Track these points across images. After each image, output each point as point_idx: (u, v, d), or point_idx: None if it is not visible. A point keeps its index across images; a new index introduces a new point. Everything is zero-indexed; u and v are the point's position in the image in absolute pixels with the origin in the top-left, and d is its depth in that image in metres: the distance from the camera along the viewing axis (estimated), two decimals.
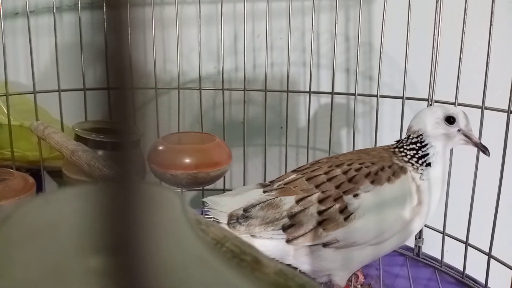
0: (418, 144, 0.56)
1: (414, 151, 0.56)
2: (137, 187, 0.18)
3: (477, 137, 0.56)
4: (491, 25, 0.58)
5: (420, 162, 0.55)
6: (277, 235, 0.53)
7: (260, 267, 0.30)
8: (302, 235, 0.52)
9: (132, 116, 0.16)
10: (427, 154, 0.55)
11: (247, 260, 0.31)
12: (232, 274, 0.18)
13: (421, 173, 0.55)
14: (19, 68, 0.90)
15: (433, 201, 0.55)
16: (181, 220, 0.19)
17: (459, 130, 0.55)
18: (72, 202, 0.21)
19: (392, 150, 0.57)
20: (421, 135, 0.56)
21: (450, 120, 0.55)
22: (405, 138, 0.58)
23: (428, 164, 0.55)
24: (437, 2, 0.65)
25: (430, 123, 0.55)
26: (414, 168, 0.55)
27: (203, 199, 0.59)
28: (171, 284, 0.17)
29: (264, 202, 0.54)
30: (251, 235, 0.53)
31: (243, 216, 0.54)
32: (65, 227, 0.19)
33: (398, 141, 0.58)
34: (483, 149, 0.55)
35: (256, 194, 0.56)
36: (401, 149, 0.57)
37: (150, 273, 0.16)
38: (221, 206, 0.56)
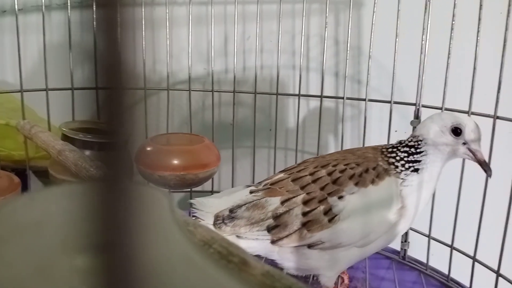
0: (413, 149, 0.54)
1: (406, 154, 0.54)
2: (124, 186, 0.18)
3: (483, 155, 0.53)
4: (478, 31, 0.59)
5: (406, 166, 0.54)
6: (262, 236, 0.53)
7: (247, 268, 0.30)
8: (287, 236, 0.53)
9: (122, 116, 0.16)
10: (419, 161, 0.53)
11: (234, 261, 0.31)
12: (220, 275, 0.18)
13: (403, 179, 0.53)
14: (5, 67, 0.89)
15: (420, 204, 0.55)
16: (168, 220, 0.19)
17: (464, 143, 0.52)
18: (58, 200, 0.21)
19: (381, 150, 0.57)
20: (421, 141, 0.54)
21: (456, 131, 0.52)
22: (406, 140, 0.56)
23: (415, 170, 0.54)
24: (425, 8, 0.65)
25: (435, 130, 0.53)
26: (396, 172, 0.54)
27: (190, 201, 0.59)
28: (158, 284, 0.17)
29: (250, 202, 0.54)
30: (237, 236, 0.53)
31: (229, 216, 0.54)
32: (51, 225, 0.19)
33: (398, 141, 0.57)
34: (485, 169, 0.53)
35: (242, 195, 0.56)
36: (394, 150, 0.55)
37: (137, 273, 0.16)
38: (208, 207, 0.56)
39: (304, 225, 0.52)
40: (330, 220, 0.52)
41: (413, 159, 0.54)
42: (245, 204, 0.54)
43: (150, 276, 0.16)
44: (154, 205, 0.20)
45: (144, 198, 0.20)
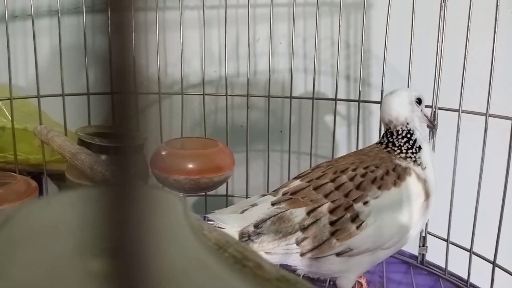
0: (408, 135, 0.58)
1: (408, 144, 0.57)
2: (139, 190, 0.18)
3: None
4: (495, 31, 0.58)
5: (414, 149, 0.57)
6: (292, 249, 0.52)
7: (262, 273, 0.30)
8: (316, 247, 0.52)
9: (135, 120, 0.16)
10: (416, 139, 0.57)
11: (249, 265, 0.31)
12: (235, 280, 0.18)
13: (420, 162, 0.56)
14: (17, 71, 0.90)
15: (435, 182, 0.57)
16: (183, 224, 0.19)
17: (421, 110, 0.60)
18: (74, 204, 0.21)
19: (386, 149, 0.58)
20: (408, 123, 0.58)
21: (418, 101, 0.59)
22: (389, 135, 0.58)
23: (419, 148, 0.57)
24: (440, 10, 0.65)
25: (409, 107, 0.58)
26: (414, 161, 0.56)
27: (208, 216, 0.56)
28: None
29: (274, 216, 0.52)
30: (265, 252, 0.51)
31: (254, 232, 0.52)
32: (66, 229, 0.19)
33: (384, 139, 0.59)
34: (434, 125, 0.63)
35: (264, 208, 0.54)
36: (395, 147, 0.57)
37: (151, 277, 0.16)
38: (229, 224, 0.53)
39: (333, 234, 0.51)
40: (358, 227, 0.52)
41: (412, 142, 0.57)
42: (269, 218, 0.52)
43: (164, 281, 0.16)
44: (168, 209, 0.20)
45: (159, 202, 0.20)
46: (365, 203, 0.52)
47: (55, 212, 0.20)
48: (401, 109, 0.58)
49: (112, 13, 0.14)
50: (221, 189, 0.82)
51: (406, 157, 0.57)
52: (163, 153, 0.67)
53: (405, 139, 0.57)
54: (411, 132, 0.58)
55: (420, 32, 0.68)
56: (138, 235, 0.17)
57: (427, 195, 0.55)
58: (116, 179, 0.17)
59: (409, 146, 0.57)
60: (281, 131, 0.90)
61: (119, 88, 0.15)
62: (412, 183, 0.54)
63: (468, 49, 0.62)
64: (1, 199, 0.58)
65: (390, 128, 0.59)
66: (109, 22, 0.13)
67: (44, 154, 0.72)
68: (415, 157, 0.56)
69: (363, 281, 0.65)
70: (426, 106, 0.67)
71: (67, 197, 0.23)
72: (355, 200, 0.52)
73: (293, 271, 0.58)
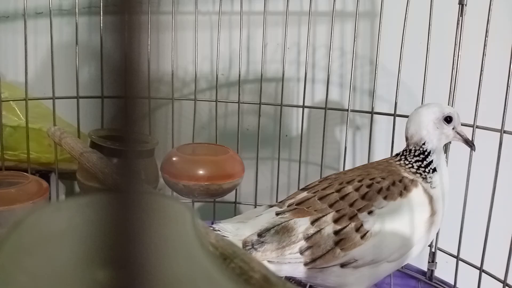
0: (422, 155, 0.56)
1: (420, 162, 0.56)
2: (147, 199, 0.18)
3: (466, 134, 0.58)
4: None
5: (427, 170, 0.56)
6: (295, 259, 0.52)
7: (269, 286, 0.30)
8: (320, 256, 0.51)
9: (146, 125, 0.16)
10: (431, 161, 0.56)
11: (255, 277, 0.31)
12: None
13: (430, 182, 0.55)
14: (18, 70, 0.90)
15: (445, 205, 0.56)
16: (190, 234, 0.19)
17: (453, 128, 0.57)
18: (83, 211, 0.21)
19: (398, 162, 0.57)
20: (424, 144, 0.56)
21: (448, 119, 0.56)
22: (406, 150, 0.57)
23: (434, 170, 0.56)
24: (458, 22, 0.64)
25: (431, 126, 0.56)
26: (423, 178, 0.55)
27: (214, 226, 0.56)
28: None
29: (278, 225, 0.52)
30: (268, 261, 0.51)
31: (258, 241, 0.52)
32: (74, 236, 0.19)
33: (399, 154, 0.58)
34: (471, 145, 0.58)
35: (269, 217, 0.54)
36: (406, 162, 0.57)
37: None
38: (234, 233, 0.53)
39: (337, 244, 0.51)
40: (362, 237, 0.51)
41: (427, 162, 0.56)
42: (273, 227, 0.52)
43: None
44: (176, 219, 0.20)
45: (167, 211, 0.20)
46: (370, 212, 0.51)
47: (64, 218, 0.20)
48: (419, 128, 0.56)
49: (126, 16, 0.14)
50: (230, 196, 0.81)
51: (416, 172, 0.56)
52: (174, 158, 0.67)
53: (419, 158, 0.56)
54: (427, 152, 0.56)
55: (433, 45, 0.68)
56: (144, 245, 0.17)
57: (433, 212, 0.54)
58: (124, 186, 0.17)
59: (421, 165, 0.56)
60: (286, 135, 0.89)
61: (131, 91, 0.15)
62: (418, 195, 0.54)
63: (484, 64, 0.61)
64: (13, 199, 0.58)
65: (412, 147, 0.57)
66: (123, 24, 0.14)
67: (56, 154, 0.73)
68: (425, 175, 0.55)
69: None
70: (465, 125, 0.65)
71: (76, 203, 0.23)
72: (360, 210, 0.52)
73: (300, 283, 0.57)
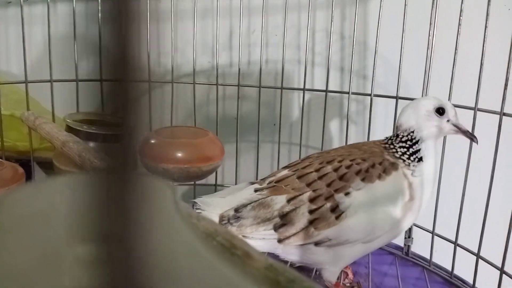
0: (409, 142, 0.56)
1: (405, 149, 0.56)
2: (128, 177, 0.18)
3: (465, 127, 0.57)
4: (486, 26, 0.59)
5: (412, 158, 0.55)
6: (269, 235, 0.53)
7: (251, 261, 0.30)
8: (294, 234, 0.52)
9: (127, 108, 0.16)
10: (419, 150, 0.55)
11: (237, 254, 0.31)
12: (224, 266, 0.18)
13: (413, 169, 0.55)
14: (11, 58, 0.89)
15: (425, 196, 0.55)
16: (172, 210, 0.19)
17: (448, 121, 0.56)
18: (63, 190, 0.21)
19: (384, 145, 0.57)
20: (412, 132, 0.56)
21: (440, 111, 0.55)
22: (393, 136, 0.57)
23: (420, 159, 0.55)
24: (433, 3, 0.65)
25: (421, 116, 0.55)
26: (405, 164, 0.55)
27: (194, 200, 0.58)
28: (161, 274, 0.17)
29: (255, 201, 0.54)
30: (243, 236, 0.52)
31: (234, 216, 0.53)
32: (55, 215, 0.18)
33: (387, 138, 0.58)
34: (472, 137, 0.56)
35: (247, 194, 0.55)
36: (392, 146, 0.57)
37: (140, 263, 0.16)
38: (212, 207, 0.55)
39: (311, 223, 0.52)
40: (337, 218, 0.52)
41: (414, 150, 0.55)
42: (250, 203, 0.53)
43: (153, 266, 0.16)
44: (157, 195, 0.20)
45: (148, 188, 0.20)
46: (347, 194, 0.52)
47: (44, 198, 0.20)
48: (409, 118, 0.56)
49: (106, 1, 0.14)
50: (211, 179, 0.82)
51: (399, 158, 0.55)
52: (153, 141, 0.67)
53: (404, 144, 0.56)
54: (415, 141, 0.55)
55: (414, 25, 0.68)
56: (127, 220, 0.17)
57: (411, 198, 0.54)
58: (106, 166, 0.17)
59: (406, 152, 0.55)
60: (274, 124, 0.89)
61: (111, 75, 0.15)
62: (397, 178, 0.54)
63: (459, 44, 0.62)
64: None
65: (399, 133, 0.57)
66: (100, 10, 0.13)
67: (31, 140, 0.72)
68: (409, 162, 0.55)
69: (349, 271, 0.66)
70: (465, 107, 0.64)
71: (55, 183, 0.22)
72: (337, 191, 0.52)
73: (282, 260, 0.58)
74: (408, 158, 0.55)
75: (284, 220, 0.52)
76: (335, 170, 0.54)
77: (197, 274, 0.16)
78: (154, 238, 0.17)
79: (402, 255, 0.72)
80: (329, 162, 0.55)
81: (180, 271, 0.16)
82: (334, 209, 0.52)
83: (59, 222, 0.18)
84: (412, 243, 0.72)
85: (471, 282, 0.63)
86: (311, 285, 0.27)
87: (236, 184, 0.82)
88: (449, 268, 0.66)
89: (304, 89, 0.76)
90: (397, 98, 0.69)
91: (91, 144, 0.64)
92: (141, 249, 0.16)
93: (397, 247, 0.73)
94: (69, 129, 0.65)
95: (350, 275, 0.65)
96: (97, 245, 0.16)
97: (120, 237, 0.16)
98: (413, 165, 0.55)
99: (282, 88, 0.77)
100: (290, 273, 0.29)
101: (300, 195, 0.53)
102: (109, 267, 0.16)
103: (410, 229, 0.71)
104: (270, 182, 0.56)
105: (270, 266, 0.30)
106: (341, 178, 0.53)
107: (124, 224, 0.17)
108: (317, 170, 0.54)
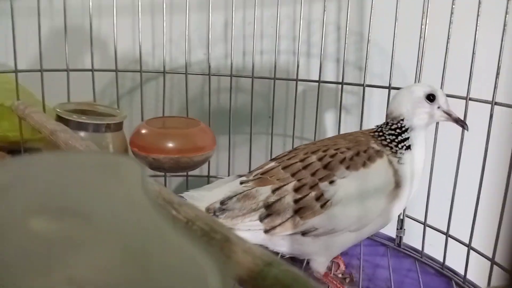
0: (398, 130, 0.55)
1: (394, 136, 0.55)
2: (91, 156, 0.17)
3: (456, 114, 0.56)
4: (478, 15, 0.58)
5: (399, 146, 0.55)
6: (255, 226, 0.52)
7: (229, 245, 0.30)
8: (280, 224, 0.52)
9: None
10: (407, 138, 0.55)
11: (216, 238, 0.31)
12: (187, 242, 0.18)
13: (399, 157, 0.54)
14: (9, 50, 0.88)
15: (414, 184, 0.55)
16: (137, 187, 0.19)
17: (438, 107, 0.55)
18: (30, 167, 0.21)
19: (371, 134, 0.57)
20: (402, 120, 0.55)
21: (430, 98, 0.55)
22: (384, 124, 0.57)
23: (408, 147, 0.55)
24: None
25: (411, 103, 0.55)
26: (392, 152, 0.55)
27: (181, 195, 0.57)
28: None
29: (240, 193, 0.54)
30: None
31: (220, 209, 0.53)
32: (17, 189, 0.18)
33: (378, 126, 0.58)
34: (462, 124, 0.56)
35: (233, 186, 0.55)
36: (380, 133, 0.56)
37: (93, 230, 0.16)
38: (199, 200, 0.55)
39: (297, 212, 0.52)
40: (322, 206, 0.52)
41: (402, 138, 0.55)
42: (235, 195, 0.53)
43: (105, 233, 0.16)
44: (122, 173, 0.19)
45: (111, 166, 0.20)
46: (331, 182, 0.52)
47: (9, 173, 0.20)
48: (399, 104, 0.56)
49: None
50: (204, 170, 0.81)
51: (386, 145, 0.55)
52: (143, 131, 0.66)
53: (393, 132, 0.56)
54: (404, 129, 0.55)
55: (409, 15, 0.68)
56: (83, 196, 0.17)
57: (397, 185, 0.54)
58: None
59: (395, 139, 0.55)
60: (269, 117, 0.89)
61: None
62: (382, 166, 0.53)
63: (452, 33, 0.62)
64: None
65: (389, 121, 0.57)
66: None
67: (21, 130, 0.71)
68: (396, 150, 0.55)
69: (341, 262, 0.66)
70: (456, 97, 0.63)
71: (25, 161, 0.22)
72: (321, 179, 0.52)
73: (272, 252, 0.58)
74: (396, 146, 0.55)
75: (269, 210, 0.52)
76: (320, 159, 0.53)
77: (155, 243, 0.16)
78: (114, 213, 0.17)
79: (394, 246, 0.72)
80: (313, 152, 0.55)
81: (127, 228, 0.16)
82: (319, 197, 0.51)
83: (20, 196, 0.18)
84: (404, 234, 0.71)
85: (462, 273, 0.63)
86: (288, 269, 0.27)
87: (228, 175, 0.81)
88: (441, 259, 0.66)
89: (297, 80, 0.76)
90: (389, 88, 0.69)
91: (81, 134, 0.64)
92: (98, 224, 0.16)
93: (389, 239, 0.73)
94: (59, 119, 0.64)
95: (342, 266, 0.65)
96: (51, 218, 0.16)
97: (76, 211, 0.16)
98: (400, 153, 0.55)
99: (274, 78, 0.77)
100: (267, 256, 0.29)
101: (285, 185, 0.53)
102: (66, 241, 0.16)
103: (402, 220, 0.71)
104: (256, 175, 0.56)
105: (248, 249, 0.30)
106: (325, 167, 0.53)
107: (82, 200, 0.17)
108: (301, 160, 0.54)
